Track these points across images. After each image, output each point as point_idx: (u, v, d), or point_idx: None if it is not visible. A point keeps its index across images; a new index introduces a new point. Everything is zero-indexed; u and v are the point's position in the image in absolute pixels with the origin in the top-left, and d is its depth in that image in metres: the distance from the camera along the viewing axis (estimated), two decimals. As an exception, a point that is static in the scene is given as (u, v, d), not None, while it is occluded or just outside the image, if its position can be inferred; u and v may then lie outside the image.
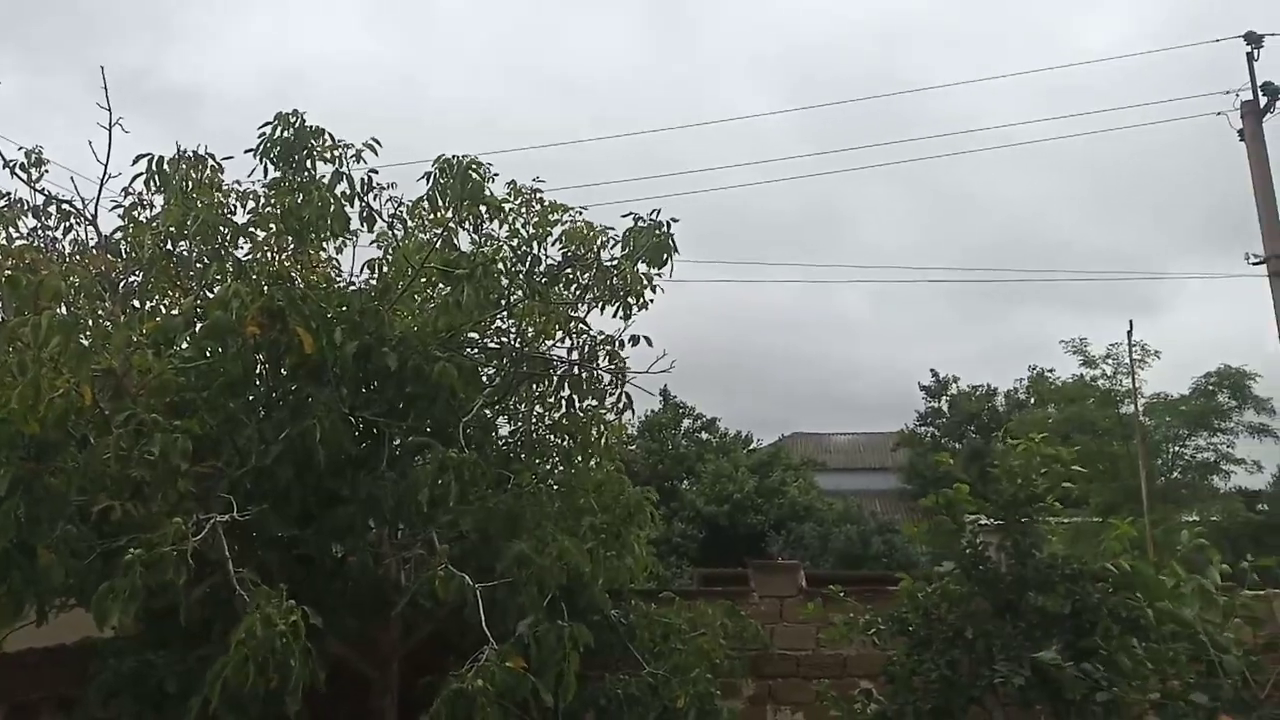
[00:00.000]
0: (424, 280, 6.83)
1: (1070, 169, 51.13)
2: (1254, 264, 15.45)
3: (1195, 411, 22.42)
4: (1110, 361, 23.20)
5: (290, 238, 6.40)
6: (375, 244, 7.13)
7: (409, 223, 6.94)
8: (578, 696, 5.82)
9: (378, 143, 6.35)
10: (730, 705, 8.28)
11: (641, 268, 6.95)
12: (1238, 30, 16.01)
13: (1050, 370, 28.73)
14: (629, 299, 6.98)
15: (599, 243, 7.08)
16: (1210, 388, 22.53)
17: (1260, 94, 15.72)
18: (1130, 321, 26.14)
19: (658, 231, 6.88)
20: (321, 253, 6.81)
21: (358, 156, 6.37)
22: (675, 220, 6.92)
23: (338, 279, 6.80)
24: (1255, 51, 15.91)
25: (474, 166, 6.28)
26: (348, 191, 6.41)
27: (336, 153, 6.31)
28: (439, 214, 6.46)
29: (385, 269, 6.71)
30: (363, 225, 6.62)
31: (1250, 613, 6.33)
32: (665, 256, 6.92)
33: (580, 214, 7.16)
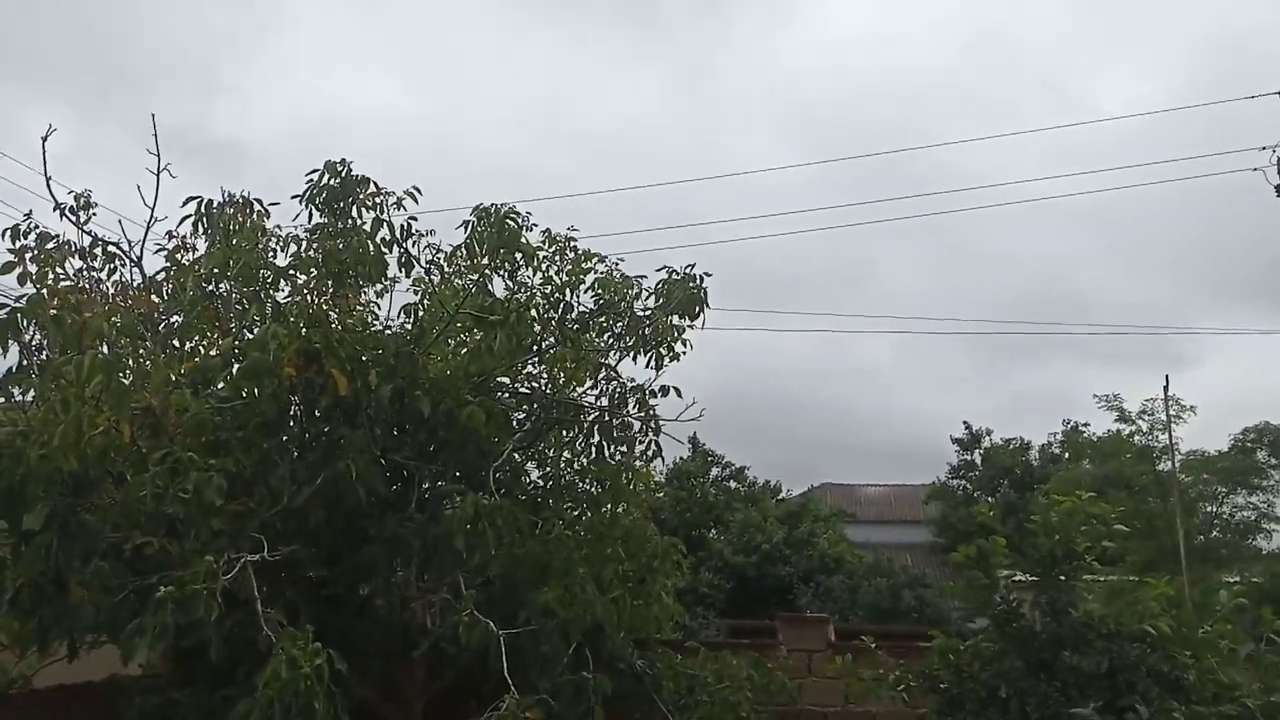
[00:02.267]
0: (459, 325, 6.92)
1: (1093, 225, 51.00)
2: (1294, 320, 15.27)
3: (1234, 469, 21.98)
4: (1146, 417, 22.89)
5: (330, 281, 6.52)
6: (412, 289, 7.26)
7: (445, 269, 7.05)
8: (599, 748, 5.76)
9: (418, 190, 6.50)
10: (756, 760, 8.12)
11: (674, 319, 7.04)
12: (1249, 90, 16.07)
13: (1085, 424, 28.36)
14: (660, 349, 7.06)
15: (632, 293, 7.17)
16: (1249, 444, 22.11)
17: (1296, 150, 15.65)
18: (1167, 376, 25.84)
19: (691, 285, 6.99)
20: (361, 297, 6.93)
21: (398, 203, 6.51)
22: (709, 274, 7.04)
23: (375, 323, 6.91)
24: (1291, 108, 15.87)
25: (511, 215, 6.40)
26: (388, 238, 6.53)
27: (378, 199, 6.45)
28: (475, 260, 6.56)
29: (421, 314, 6.81)
30: (401, 271, 6.73)
31: (1296, 678, 6.13)
32: (698, 309, 7.02)
33: (617, 264, 7.28)
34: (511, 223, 6.34)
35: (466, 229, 6.43)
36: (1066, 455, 29.76)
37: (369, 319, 6.89)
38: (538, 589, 5.80)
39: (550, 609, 5.60)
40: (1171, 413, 21.59)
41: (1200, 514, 22.31)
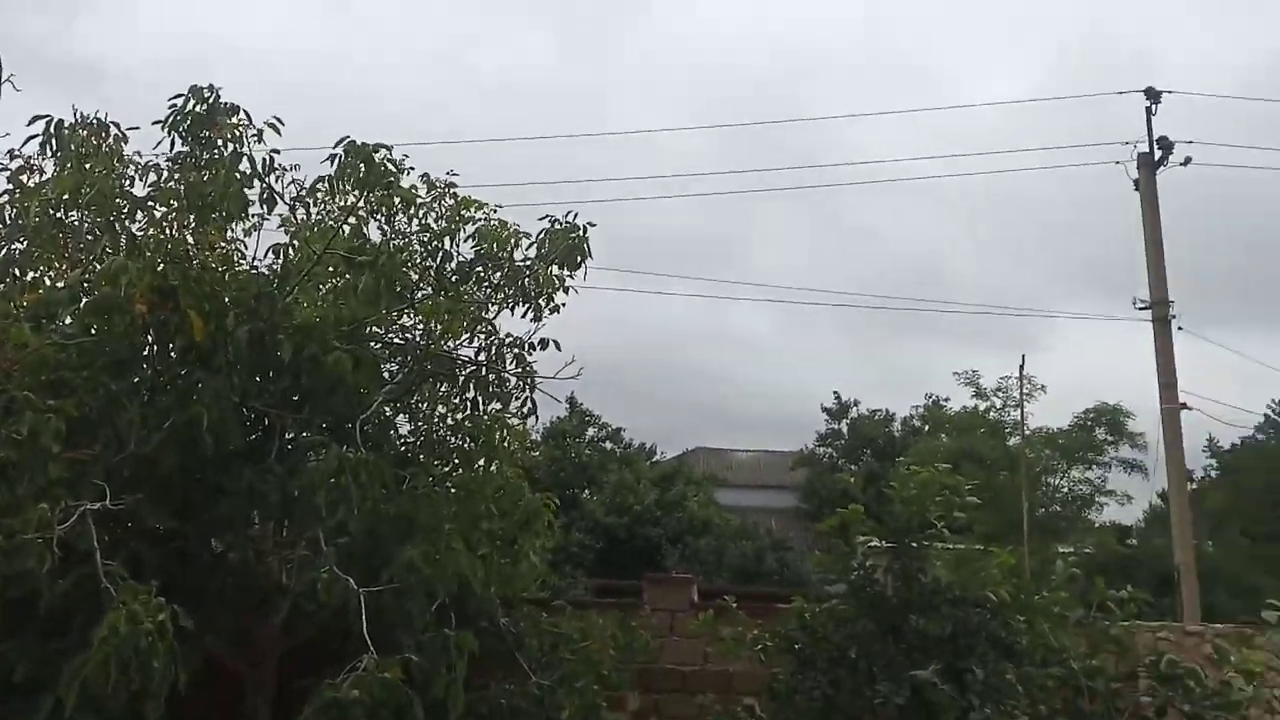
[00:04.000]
0: (330, 270, 6.64)
1: (961, 209, 53.30)
2: (1140, 309, 16.33)
3: (1074, 445, 23.44)
4: (1000, 394, 24.13)
5: (191, 215, 6.14)
6: (283, 229, 6.91)
7: (312, 207, 6.71)
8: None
9: (280, 121, 6.13)
10: (616, 717, 8.25)
11: (554, 270, 6.92)
12: (1112, 88, 16.99)
13: (946, 399, 29.74)
14: (540, 301, 6.94)
15: (513, 243, 7.02)
16: (1089, 423, 23.61)
17: (1156, 147, 16.64)
18: (1023, 356, 27.26)
19: (572, 234, 6.87)
20: (226, 234, 6.57)
21: (259, 136, 6.14)
22: (592, 225, 6.93)
23: (241, 262, 6.56)
24: (1154, 107, 16.86)
25: (381, 150, 6.09)
26: (248, 171, 6.17)
27: (238, 131, 6.07)
28: (342, 198, 6.27)
29: (290, 254, 6.50)
30: (263, 207, 6.37)
31: (1118, 643, 6.62)
32: (579, 259, 6.91)
33: (495, 211, 7.09)
34: (389, 164, 6.05)
35: (333, 163, 6.12)
36: (926, 428, 31.16)
37: (235, 258, 6.54)
38: (402, 546, 5.67)
39: (414, 566, 5.48)
40: (1024, 391, 22.86)
41: (1043, 488, 23.75)
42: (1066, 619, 6.85)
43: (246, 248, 6.65)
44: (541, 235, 6.96)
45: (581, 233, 6.91)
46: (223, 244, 6.09)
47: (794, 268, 52.63)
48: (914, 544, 7.39)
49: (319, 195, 6.53)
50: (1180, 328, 16.12)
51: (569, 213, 6.93)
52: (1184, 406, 15.81)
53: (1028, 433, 23.05)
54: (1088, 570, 7.22)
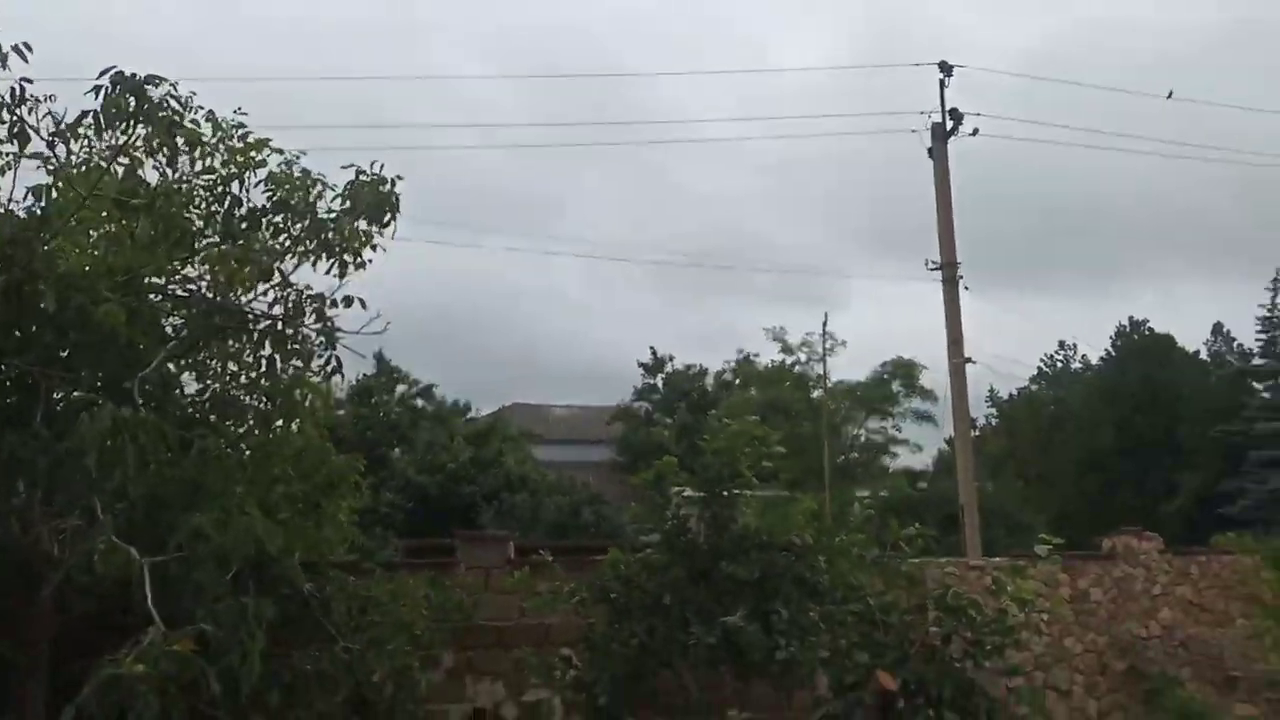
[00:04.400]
0: (102, 215, 6.00)
1: (768, 172, 55.33)
2: (931, 269, 17.41)
3: (871, 397, 24.97)
4: (805, 349, 25.32)
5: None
6: (43, 168, 6.16)
7: (73, 143, 5.99)
8: (261, 676, 5.42)
9: (28, 47, 5.38)
10: (429, 677, 8.12)
11: (361, 224, 6.53)
12: (910, 60, 17.99)
13: (756, 355, 30.88)
14: (345, 256, 6.54)
15: (314, 192, 6.56)
16: (885, 377, 25.18)
17: (948, 118, 17.68)
18: (825, 314, 28.65)
19: (381, 187, 6.51)
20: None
21: (2, 62, 5.39)
22: (400, 178, 6.58)
23: (-9, 205, 5.82)
24: (946, 79, 17.88)
25: (159, 83, 5.47)
26: None
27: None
28: (113, 136, 5.63)
29: (54, 196, 5.82)
30: (13, 143, 5.62)
31: (909, 579, 7.09)
32: (388, 214, 6.55)
33: (297, 159, 6.59)
34: (168, 98, 5.46)
35: (98, 95, 5.47)
36: (737, 382, 32.28)
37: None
38: (189, 512, 5.25)
39: (203, 533, 5.09)
40: (826, 346, 24.09)
41: (843, 436, 25.19)
42: (863, 558, 7.27)
43: (-1, 188, 5.91)
44: (347, 187, 6.54)
45: (390, 185, 6.54)
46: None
47: (609, 225, 53.05)
48: (725, 493, 7.62)
49: (82, 132, 5.82)
50: (967, 288, 17.33)
51: (375, 162, 6.54)
52: (969, 361, 17.06)
53: (830, 386, 24.31)
54: (882, 512, 7.67)
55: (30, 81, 5.47)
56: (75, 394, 5.66)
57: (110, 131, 5.76)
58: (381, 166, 6.55)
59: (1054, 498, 31.91)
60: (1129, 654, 11.23)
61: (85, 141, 5.97)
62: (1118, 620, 11.35)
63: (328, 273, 6.58)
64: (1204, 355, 34.51)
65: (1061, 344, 39.78)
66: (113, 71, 5.38)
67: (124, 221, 5.52)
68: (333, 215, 6.53)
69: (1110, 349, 35.00)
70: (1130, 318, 35.38)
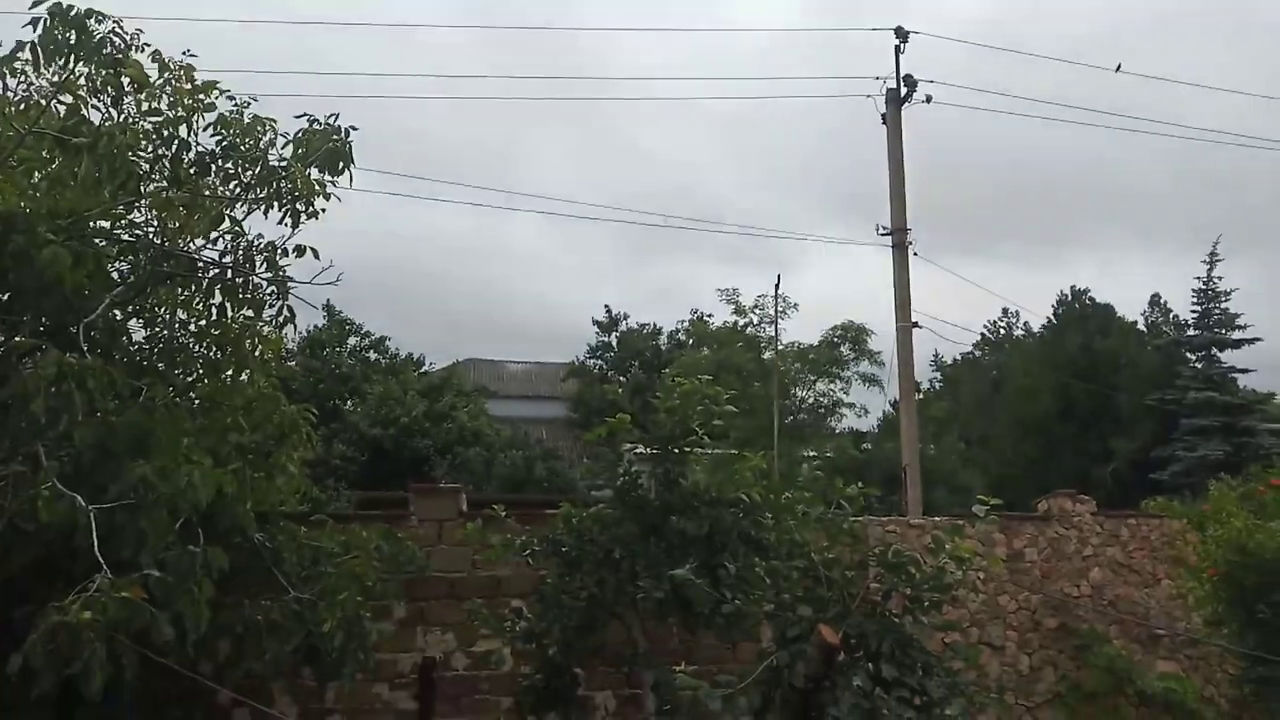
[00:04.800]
0: (44, 154, 5.82)
1: (725, 132, 55.12)
2: (882, 234, 17.58)
3: (821, 360, 25.26)
4: (757, 311, 25.47)
5: None
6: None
7: (9, 78, 5.77)
8: (211, 625, 5.42)
9: None
10: (381, 627, 8.17)
11: (314, 173, 6.41)
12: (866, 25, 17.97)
13: (709, 315, 31.01)
14: (298, 205, 6.43)
15: (266, 138, 6.43)
16: (836, 340, 25.47)
17: (903, 84, 17.74)
18: (778, 276, 28.81)
19: (335, 137, 6.39)
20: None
21: None
22: (355, 128, 6.47)
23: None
24: (902, 45, 17.90)
25: (98, 18, 5.28)
26: None
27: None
28: (52, 72, 5.44)
29: (-11, 134, 5.63)
30: None
31: (852, 535, 7.25)
32: (342, 165, 6.45)
33: (248, 104, 6.44)
34: (112, 35, 5.28)
35: (35, 28, 5.25)
36: (690, 342, 32.43)
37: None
38: (136, 460, 5.19)
39: (148, 481, 5.03)
40: (778, 309, 24.26)
41: (792, 397, 25.48)
42: (809, 516, 7.41)
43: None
44: (300, 135, 6.41)
45: (344, 135, 6.43)
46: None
47: (565, 181, 52.61)
48: (676, 450, 7.71)
49: (18, 65, 5.61)
50: (916, 254, 17.53)
51: (330, 114, 6.42)
52: (915, 325, 17.32)
53: (781, 347, 24.54)
54: (828, 471, 7.83)
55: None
56: (17, 339, 5.54)
57: (49, 67, 5.57)
58: (335, 117, 6.44)
59: (994, 460, 32.69)
60: (1060, 612, 11.67)
61: (22, 77, 5.76)
62: (1050, 579, 11.77)
63: (280, 222, 6.48)
64: (1141, 326, 35.42)
65: (1005, 311, 40.55)
66: (50, 3, 5.18)
67: (65, 161, 5.34)
68: (284, 164, 6.41)
69: (1051, 317, 35.76)
70: (1072, 287, 36.12)
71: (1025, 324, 39.81)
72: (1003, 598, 11.50)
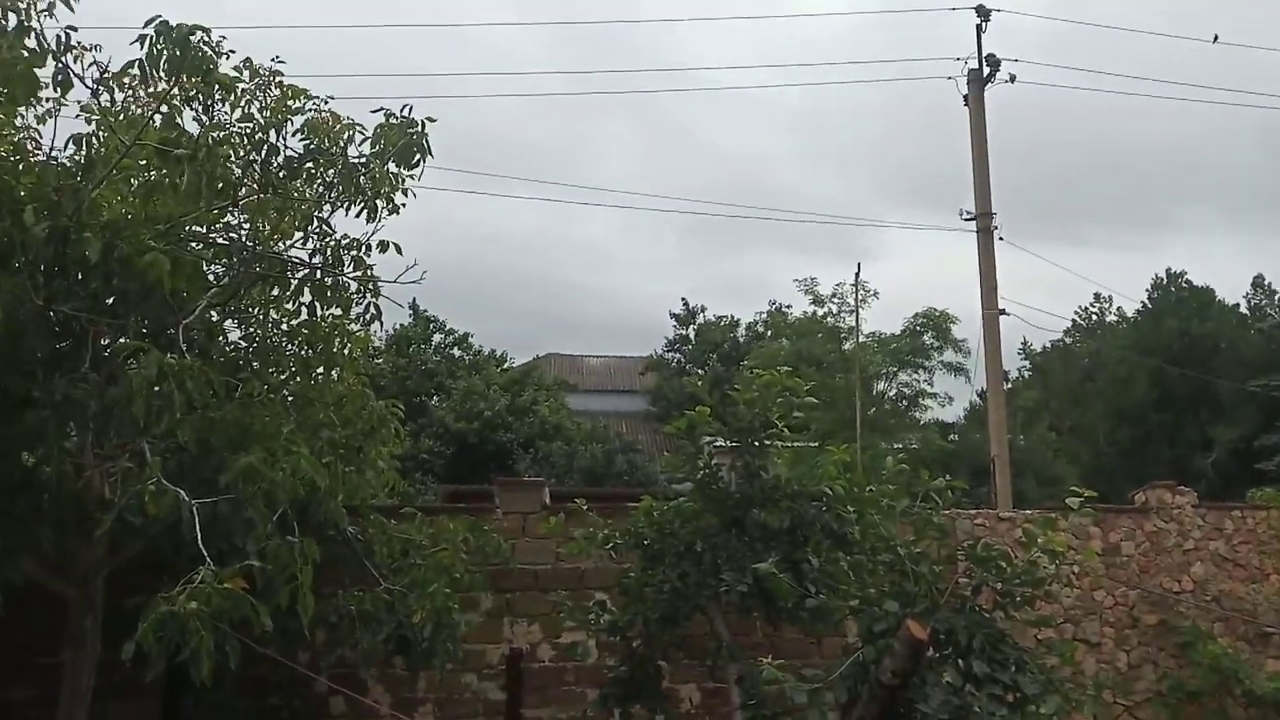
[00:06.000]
0: (143, 162, 6.08)
1: (795, 121, 54.35)
2: (966, 219, 17.14)
3: (903, 350, 24.76)
4: (835, 300, 25.10)
5: (-27, 99, 5.45)
6: (82, 116, 6.23)
7: (118, 93, 6.04)
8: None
9: None
10: (469, 619, 8.32)
11: (391, 168, 6.54)
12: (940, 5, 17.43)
13: (788, 306, 30.71)
14: (377, 200, 6.57)
15: (346, 137, 6.58)
16: (918, 329, 24.93)
17: (985, 65, 17.25)
18: (859, 264, 28.36)
19: (410, 130, 6.50)
20: (16, 120, 5.88)
21: (49, 9, 5.43)
22: (432, 120, 6.56)
23: (36, 153, 5.91)
24: (983, 24, 17.41)
25: (200, 33, 5.49)
26: (37, 50, 5.46)
27: (24, 4, 5.34)
28: (154, 85, 5.67)
29: (95, 145, 5.89)
30: (57, 90, 5.69)
31: (940, 530, 7.10)
32: (417, 157, 6.55)
33: (326, 103, 6.60)
34: (201, 44, 5.47)
35: (142, 45, 5.49)
36: (769, 333, 32.17)
37: (28, 148, 5.88)
38: (237, 454, 5.38)
39: (254, 470, 5.20)
40: (859, 298, 23.87)
41: (874, 388, 25.06)
42: (894, 509, 7.29)
43: (41, 136, 5.99)
44: (377, 130, 6.55)
45: (420, 129, 6.54)
46: (11, 131, 5.44)
47: (634, 177, 52.61)
48: (756, 443, 7.66)
49: (126, 81, 5.87)
50: (1001, 238, 17.04)
51: (405, 107, 6.54)
52: (1003, 313, 16.84)
53: (862, 338, 24.14)
54: (913, 464, 7.67)
55: (75, 30, 5.52)
56: (122, 340, 5.79)
57: (152, 80, 5.80)
58: (411, 110, 6.55)
59: (1086, 451, 31.67)
60: (1160, 608, 11.23)
61: (130, 91, 6.02)
62: (1149, 574, 11.33)
63: (358, 216, 6.62)
64: (1244, 308, 33.83)
65: (1096, 296, 39.16)
66: (158, 21, 5.41)
67: (166, 171, 5.57)
68: (363, 159, 6.56)
69: (1146, 301, 34.41)
70: (1168, 269, 34.71)
71: (1118, 309, 38.44)
72: (1099, 593, 11.12)
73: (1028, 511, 11.25)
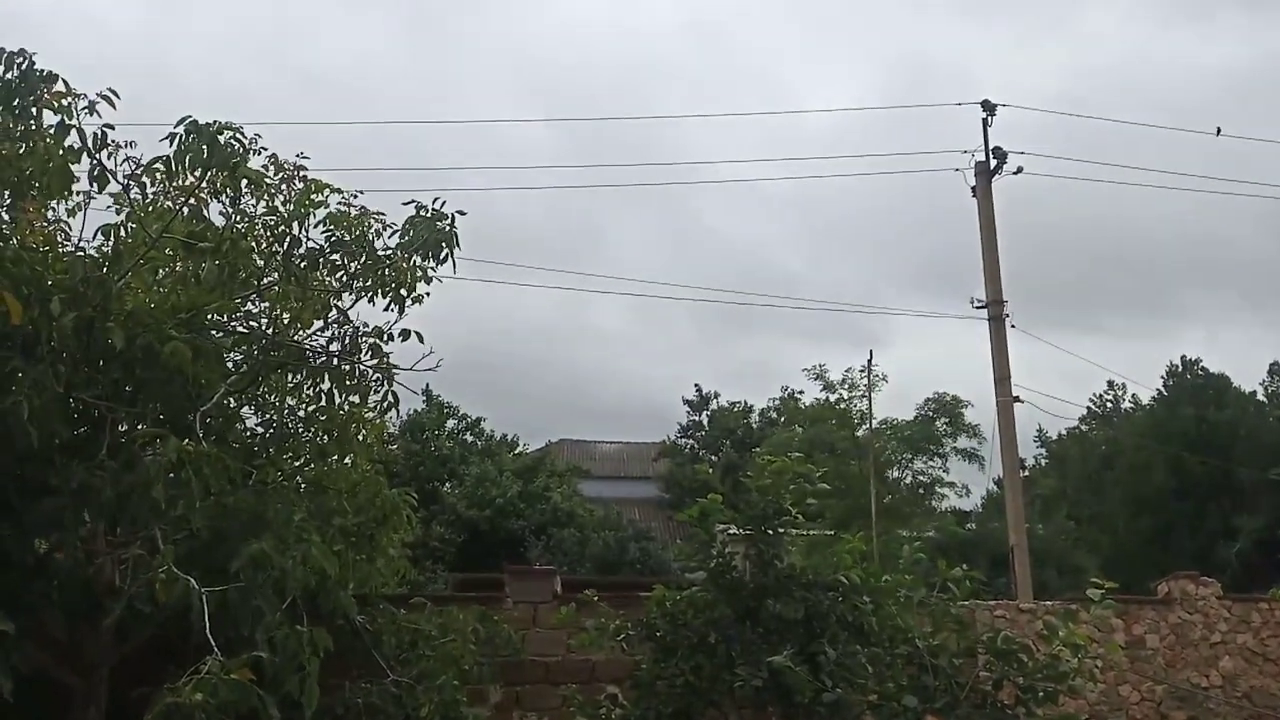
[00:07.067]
0: (168, 253, 6.24)
1: (801, 212, 55.56)
2: (977, 307, 17.26)
3: (917, 436, 24.62)
4: (845, 386, 25.06)
5: (7, 192, 5.64)
6: (112, 208, 6.43)
7: (148, 186, 6.24)
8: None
9: (115, 94, 5.65)
10: (476, 712, 8.14)
11: (417, 259, 6.67)
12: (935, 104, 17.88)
13: (800, 392, 30.70)
14: (401, 291, 6.68)
15: (372, 230, 6.74)
16: (930, 414, 24.83)
17: (991, 157, 17.62)
18: (870, 351, 28.46)
19: (439, 223, 6.65)
20: (46, 213, 6.07)
21: (90, 108, 5.66)
22: (462, 213, 6.70)
23: (65, 244, 6.09)
24: (989, 118, 17.86)
25: (230, 131, 5.70)
26: (76, 146, 5.67)
27: (66, 102, 5.58)
28: (182, 180, 5.85)
29: (122, 236, 6.06)
30: (93, 185, 5.88)
31: (958, 621, 6.97)
32: (445, 250, 6.68)
33: (354, 198, 6.79)
34: (231, 141, 5.67)
35: (172, 142, 5.68)
36: (782, 419, 32.09)
37: (58, 239, 6.05)
38: (249, 542, 5.38)
39: (264, 558, 5.18)
40: (870, 384, 23.85)
41: (889, 475, 24.84)
42: (911, 600, 7.17)
43: (71, 229, 6.18)
44: (406, 223, 6.70)
45: (449, 222, 6.68)
46: (43, 223, 5.61)
47: (648, 264, 53.49)
48: (770, 531, 7.58)
49: (156, 175, 6.07)
50: (1013, 326, 17.12)
51: (437, 200, 6.70)
52: (1017, 400, 16.81)
53: (875, 424, 24.05)
54: (930, 553, 7.57)
55: (112, 128, 5.73)
56: (140, 427, 5.85)
57: (179, 175, 5.99)
58: (442, 204, 6.69)
59: (1106, 540, 31.13)
60: (1188, 704, 10.89)
61: (160, 185, 6.22)
62: (1175, 669, 11.03)
63: (386, 309, 6.73)
64: (1261, 396, 33.60)
65: (1110, 384, 39.01)
66: (188, 121, 5.62)
67: (190, 263, 5.72)
68: (389, 252, 6.70)
69: (1162, 389, 34.25)
70: (1183, 357, 34.64)
71: (1133, 396, 38.24)
72: (1124, 688, 10.81)
73: (1049, 603, 11.02)
